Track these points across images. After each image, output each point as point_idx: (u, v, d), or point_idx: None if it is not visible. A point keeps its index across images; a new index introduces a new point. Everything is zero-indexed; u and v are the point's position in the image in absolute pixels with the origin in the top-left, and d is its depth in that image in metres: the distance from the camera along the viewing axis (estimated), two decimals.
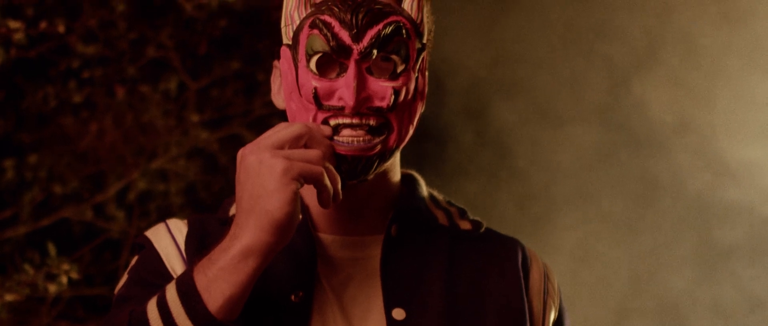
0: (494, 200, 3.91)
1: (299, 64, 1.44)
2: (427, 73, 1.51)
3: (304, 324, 1.46)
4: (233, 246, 1.34)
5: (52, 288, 3.16)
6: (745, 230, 3.70)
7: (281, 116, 1.54)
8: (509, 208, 3.90)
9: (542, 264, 1.65)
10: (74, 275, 3.17)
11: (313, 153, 1.37)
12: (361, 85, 1.40)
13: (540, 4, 3.93)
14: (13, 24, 3.14)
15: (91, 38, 3.78)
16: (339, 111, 1.41)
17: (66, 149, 3.90)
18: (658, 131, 3.77)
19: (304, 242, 1.50)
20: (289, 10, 1.46)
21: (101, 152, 3.92)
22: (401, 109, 1.44)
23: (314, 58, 1.42)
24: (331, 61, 1.42)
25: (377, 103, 1.42)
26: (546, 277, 1.64)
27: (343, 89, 1.40)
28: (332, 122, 1.42)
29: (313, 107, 1.43)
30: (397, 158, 1.55)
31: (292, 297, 1.47)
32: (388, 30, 1.41)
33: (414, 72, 1.45)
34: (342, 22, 1.40)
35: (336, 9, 1.41)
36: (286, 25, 1.46)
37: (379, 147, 1.43)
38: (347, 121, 1.42)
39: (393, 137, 1.44)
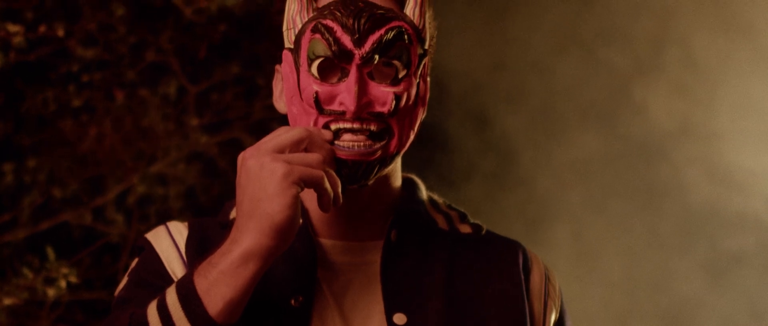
0: (496, 206, 3.91)
1: (301, 68, 1.44)
2: (428, 79, 1.52)
3: None
4: (233, 249, 1.34)
5: (51, 292, 3.16)
6: (754, 239, 3.68)
7: (281, 119, 1.54)
8: (511, 214, 3.90)
9: (543, 266, 1.65)
10: (73, 279, 3.18)
11: (314, 157, 1.37)
12: (362, 90, 1.40)
13: (540, 11, 3.92)
14: (13, 28, 3.15)
15: (91, 42, 3.79)
16: (340, 116, 1.41)
17: (65, 152, 3.90)
18: (661, 139, 3.77)
19: (304, 246, 1.50)
20: (291, 14, 1.46)
21: (101, 155, 3.93)
22: (402, 114, 1.44)
23: (316, 63, 1.42)
24: (333, 66, 1.42)
25: (378, 108, 1.42)
26: (547, 279, 1.63)
27: (345, 93, 1.40)
28: (333, 126, 1.42)
29: (314, 112, 1.43)
30: (397, 163, 1.55)
31: (292, 301, 1.47)
32: (390, 35, 1.41)
33: (415, 78, 1.45)
34: (344, 26, 1.40)
35: (338, 13, 1.41)
36: (288, 29, 1.46)
37: (379, 152, 1.43)
38: (348, 125, 1.42)
39: (394, 142, 1.44)
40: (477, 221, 1.64)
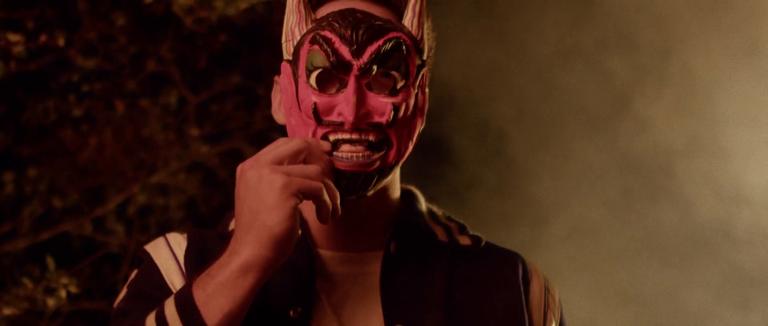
0: (497, 221, 3.90)
1: (299, 79, 1.44)
2: (427, 90, 1.52)
3: None
4: (232, 261, 1.34)
5: (51, 302, 3.16)
6: (765, 253, 3.65)
7: (281, 129, 1.54)
8: (511, 230, 3.89)
9: (543, 278, 1.65)
10: (73, 289, 3.18)
11: (313, 169, 1.37)
12: (360, 100, 1.40)
13: (542, 21, 3.92)
14: (13, 37, 3.15)
15: (91, 52, 3.79)
16: (338, 127, 1.41)
17: (66, 162, 3.91)
18: (666, 152, 3.75)
19: (303, 258, 1.50)
20: (289, 25, 1.46)
21: (101, 165, 3.93)
22: (401, 125, 1.44)
23: (314, 74, 1.42)
24: (331, 77, 1.42)
25: (377, 118, 1.42)
26: (546, 290, 1.63)
27: (343, 104, 1.40)
28: (331, 137, 1.42)
29: (312, 123, 1.43)
30: (396, 174, 1.55)
31: (291, 312, 1.47)
32: (388, 46, 1.41)
33: (414, 88, 1.45)
34: (342, 37, 1.40)
35: (336, 25, 1.41)
36: (286, 41, 1.46)
37: (378, 163, 1.43)
38: (347, 136, 1.41)
39: (392, 153, 1.44)
40: (476, 233, 1.64)
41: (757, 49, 3.64)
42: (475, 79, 3.98)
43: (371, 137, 1.42)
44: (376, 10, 1.47)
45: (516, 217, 3.93)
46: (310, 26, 1.44)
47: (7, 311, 3.12)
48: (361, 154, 1.42)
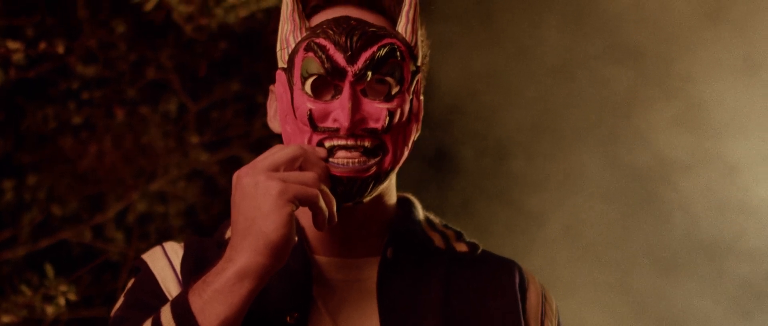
0: (494, 230, 3.89)
1: (294, 87, 1.44)
2: (421, 96, 1.52)
3: None
4: (228, 268, 1.34)
5: (50, 310, 3.15)
6: None
7: (281, 138, 1.54)
8: (509, 241, 3.87)
9: (540, 286, 1.65)
10: (72, 296, 3.17)
11: (309, 175, 1.37)
12: (355, 106, 1.40)
13: (538, 33, 3.91)
14: (13, 44, 3.14)
15: (91, 59, 3.79)
16: (334, 133, 1.42)
17: (65, 170, 3.90)
18: (670, 164, 3.74)
19: (299, 263, 1.50)
20: (284, 33, 1.46)
21: (101, 173, 3.92)
22: (396, 131, 1.44)
23: (309, 81, 1.42)
24: (326, 84, 1.43)
25: (372, 124, 1.42)
26: (544, 298, 1.64)
27: (338, 110, 1.41)
28: (327, 143, 1.42)
29: (308, 129, 1.43)
30: (392, 180, 1.55)
31: (288, 318, 1.47)
32: (383, 52, 1.41)
33: (408, 94, 1.46)
34: (337, 44, 1.40)
35: (331, 32, 1.41)
36: (281, 49, 1.47)
37: (374, 169, 1.43)
38: (342, 143, 1.42)
39: (388, 158, 1.45)
40: (473, 240, 1.64)
41: (764, 61, 3.63)
42: (475, 89, 3.97)
43: (367, 143, 1.42)
44: (370, 17, 1.48)
45: (516, 228, 3.92)
46: (304, 34, 1.44)
47: (6, 319, 3.11)
48: (356, 160, 1.42)
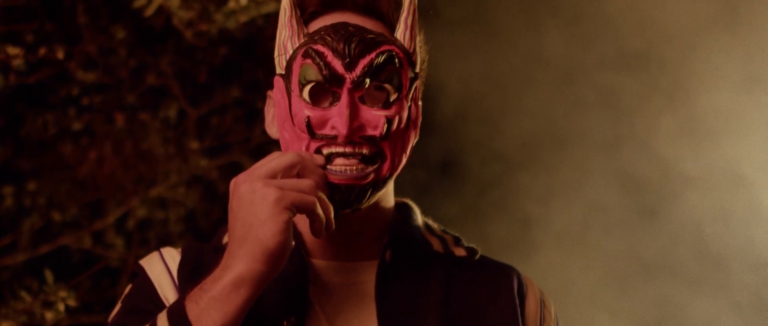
0: (498, 237, 3.88)
1: (292, 93, 1.44)
2: (420, 103, 1.52)
3: None
4: (225, 275, 1.34)
5: (50, 316, 3.14)
6: None
7: (279, 144, 1.54)
8: (513, 247, 3.87)
9: (538, 291, 1.65)
10: (72, 302, 3.16)
11: (306, 183, 1.36)
12: (353, 114, 1.40)
13: (543, 42, 3.91)
14: (13, 50, 3.14)
15: (91, 65, 3.79)
16: (332, 140, 1.41)
17: (65, 176, 3.90)
18: (677, 175, 3.72)
19: (295, 267, 1.50)
20: (282, 40, 1.46)
21: (100, 179, 3.92)
22: (394, 138, 1.44)
23: (307, 88, 1.42)
24: (324, 91, 1.42)
25: (370, 131, 1.42)
26: (542, 303, 1.63)
27: (336, 117, 1.40)
28: (325, 150, 1.42)
29: (305, 136, 1.43)
30: (390, 187, 1.55)
31: (285, 322, 1.47)
32: (381, 59, 1.41)
33: (407, 101, 1.45)
34: (335, 51, 1.40)
35: (329, 38, 1.41)
36: (279, 55, 1.46)
37: (372, 176, 1.43)
38: (340, 150, 1.41)
39: (386, 165, 1.44)
40: (472, 245, 1.64)
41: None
42: (480, 98, 3.97)
43: (365, 150, 1.42)
44: (369, 24, 1.47)
45: (520, 235, 3.91)
46: (302, 40, 1.44)
47: (6, 325, 3.11)
48: (354, 167, 1.42)
